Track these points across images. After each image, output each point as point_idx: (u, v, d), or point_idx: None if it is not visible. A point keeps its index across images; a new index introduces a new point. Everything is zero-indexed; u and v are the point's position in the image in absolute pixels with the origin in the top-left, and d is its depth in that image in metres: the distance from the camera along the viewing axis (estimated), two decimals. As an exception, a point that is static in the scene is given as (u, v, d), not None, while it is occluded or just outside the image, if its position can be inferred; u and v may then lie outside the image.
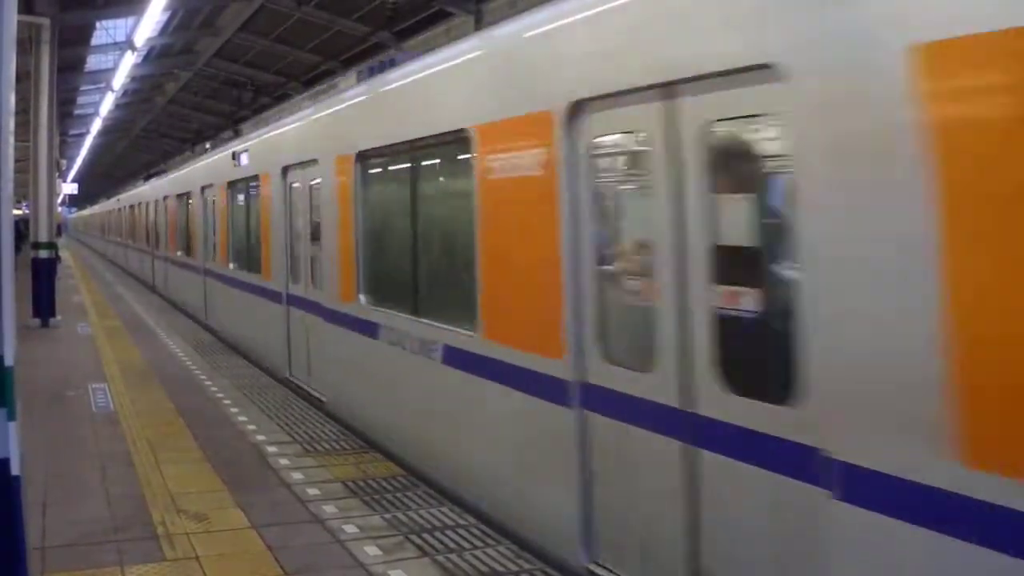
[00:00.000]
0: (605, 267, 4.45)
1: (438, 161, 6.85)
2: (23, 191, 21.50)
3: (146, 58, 25.01)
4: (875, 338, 2.95)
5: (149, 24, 16.23)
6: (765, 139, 3.66)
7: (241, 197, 12.77)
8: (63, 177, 37.14)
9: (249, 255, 12.02)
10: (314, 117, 9.27)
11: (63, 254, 28.09)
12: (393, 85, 7.23)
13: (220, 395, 9.10)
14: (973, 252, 2.67)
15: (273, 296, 10.23)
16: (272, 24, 22.12)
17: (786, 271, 3.46)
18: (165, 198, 19.79)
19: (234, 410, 8.39)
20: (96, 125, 33.71)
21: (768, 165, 3.68)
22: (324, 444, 7.18)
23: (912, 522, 2.83)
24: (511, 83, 5.15)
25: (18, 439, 3.05)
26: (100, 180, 61.32)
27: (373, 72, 8.07)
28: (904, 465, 2.85)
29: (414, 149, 6.72)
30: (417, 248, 6.77)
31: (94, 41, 23.45)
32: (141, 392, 9.23)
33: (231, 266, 13.00)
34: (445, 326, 5.99)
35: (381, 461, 6.71)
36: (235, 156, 12.43)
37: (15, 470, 3.04)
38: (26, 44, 15.13)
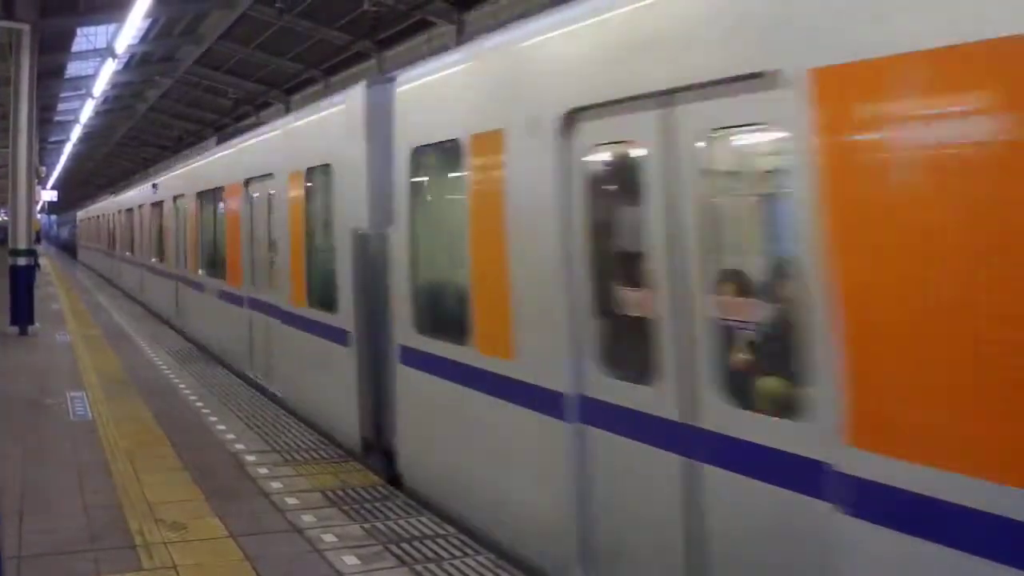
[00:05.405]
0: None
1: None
2: (2, 196, 21.34)
3: (127, 65, 24.92)
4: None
5: (130, 31, 16.14)
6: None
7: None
8: (43, 184, 36.72)
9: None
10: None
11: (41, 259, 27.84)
12: None
13: (199, 404, 9.08)
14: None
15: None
16: (254, 32, 22.11)
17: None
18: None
19: (213, 419, 8.37)
20: (76, 132, 33.48)
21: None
22: (303, 453, 7.18)
23: None
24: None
25: (-5, 448, 3.05)
26: (80, 187, 60.87)
27: None
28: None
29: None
30: None
31: (75, 47, 23.32)
32: (120, 401, 9.19)
33: None
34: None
35: (360, 471, 6.72)
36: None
37: (-8, 479, 3.04)
38: (6, 49, 15.07)
